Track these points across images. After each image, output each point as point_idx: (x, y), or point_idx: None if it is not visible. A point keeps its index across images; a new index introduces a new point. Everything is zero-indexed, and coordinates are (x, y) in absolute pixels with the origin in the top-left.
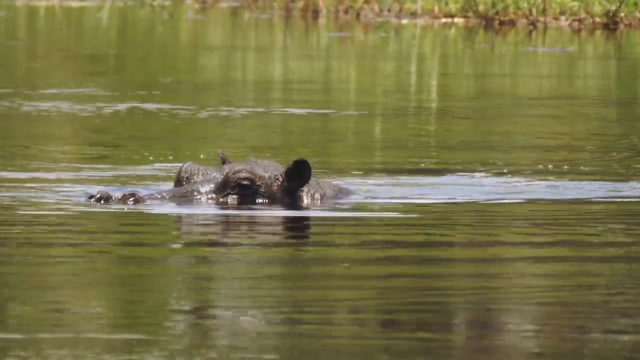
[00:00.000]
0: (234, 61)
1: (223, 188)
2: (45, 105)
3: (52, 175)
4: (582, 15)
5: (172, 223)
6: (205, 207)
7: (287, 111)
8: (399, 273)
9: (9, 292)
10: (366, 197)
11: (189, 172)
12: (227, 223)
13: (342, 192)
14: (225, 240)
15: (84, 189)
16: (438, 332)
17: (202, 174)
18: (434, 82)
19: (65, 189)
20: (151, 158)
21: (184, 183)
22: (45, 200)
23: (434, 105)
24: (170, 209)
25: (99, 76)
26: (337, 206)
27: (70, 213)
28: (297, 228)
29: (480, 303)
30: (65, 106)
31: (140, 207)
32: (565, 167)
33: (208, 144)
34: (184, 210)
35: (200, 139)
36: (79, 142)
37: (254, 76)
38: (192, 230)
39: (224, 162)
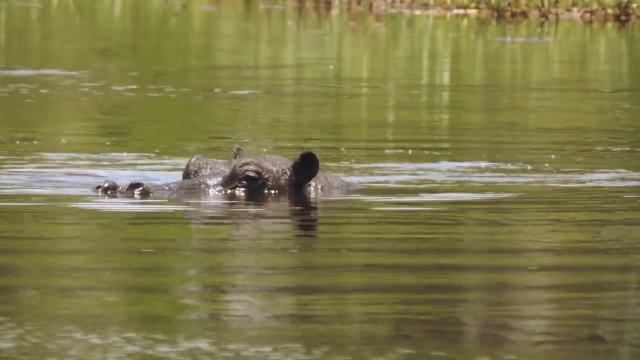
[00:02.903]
0: (247, 49)
1: (230, 181)
2: (57, 89)
3: (61, 160)
4: (594, 6)
5: (181, 214)
6: (213, 199)
7: (297, 96)
8: (410, 264)
9: (21, 280)
10: (372, 187)
11: (197, 165)
12: (234, 215)
13: (349, 186)
14: (232, 231)
15: (93, 175)
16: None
17: (210, 168)
18: (445, 74)
19: (74, 177)
20: (162, 146)
21: (192, 176)
22: (53, 188)
23: (445, 95)
24: (177, 200)
25: (111, 63)
26: (344, 199)
27: (77, 203)
28: (304, 221)
29: (492, 301)
30: (76, 91)
31: (147, 199)
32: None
33: (219, 130)
34: (191, 202)
35: (212, 125)
36: (90, 128)
37: (265, 62)
38: (201, 221)
39: (235, 156)
